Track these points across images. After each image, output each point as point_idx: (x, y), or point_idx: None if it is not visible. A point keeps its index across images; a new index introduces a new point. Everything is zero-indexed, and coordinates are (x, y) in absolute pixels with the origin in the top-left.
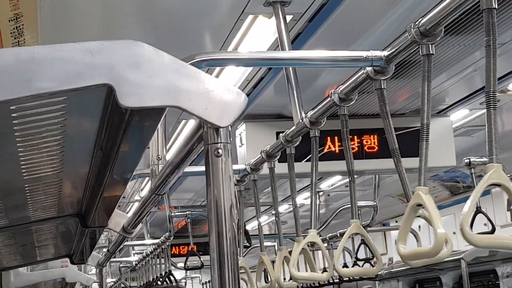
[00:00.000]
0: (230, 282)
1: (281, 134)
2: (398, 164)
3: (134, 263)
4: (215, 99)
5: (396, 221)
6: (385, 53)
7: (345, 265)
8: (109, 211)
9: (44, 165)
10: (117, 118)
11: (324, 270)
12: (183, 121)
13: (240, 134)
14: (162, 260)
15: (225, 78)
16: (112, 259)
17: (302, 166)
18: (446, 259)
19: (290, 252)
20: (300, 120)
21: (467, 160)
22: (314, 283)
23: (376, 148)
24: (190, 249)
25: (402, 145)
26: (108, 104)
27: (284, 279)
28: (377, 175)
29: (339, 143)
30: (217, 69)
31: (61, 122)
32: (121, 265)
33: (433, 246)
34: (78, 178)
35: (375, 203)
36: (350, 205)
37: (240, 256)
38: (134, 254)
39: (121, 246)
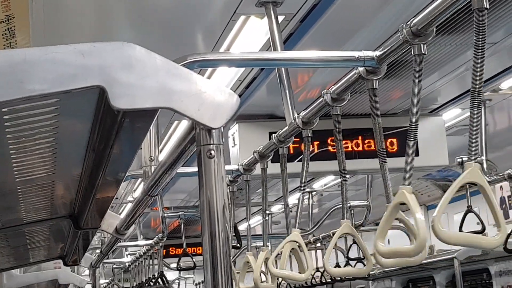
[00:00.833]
0: (223, 283)
1: (273, 135)
2: (382, 165)
3: (127, 264)
4: (207, 100)
5: None
6: (377, 53)
7: (337, 265)
8: (102, 212)
9: (37, 167)
10: (109, 120)
11: (317, 270)
12: (176, 122)
13: (232, 135)
14: (155, 261)
15: (217, 78)
16: (105, 260)
17: (294, 166)
18: (439, 258)
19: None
20: (293, 121)
21: (460, 159)
22: (306, 283)
23: (373, 147)
24: (183, 249)
25: (393, 145)
26: (101, 105)
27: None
28: (370, 175)
29: (333, 143)
30: (209, 69)
31: (53, 124)
32: (114, 266)
33: (414, 247)
34: (71, 180)
35: (368, 202)
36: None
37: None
38: (127, 255)
39: (114, 247)
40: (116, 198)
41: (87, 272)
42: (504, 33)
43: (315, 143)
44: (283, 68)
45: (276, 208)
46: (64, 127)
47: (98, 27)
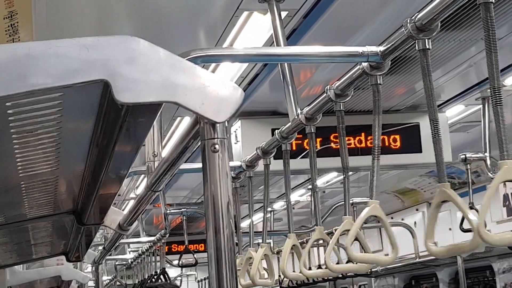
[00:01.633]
0: (228, 279)
1: (276, 131)
2: (374, 162)
3: (129, 260)
4: (211, 94)
5: (392, 218)
6: (381, 48)
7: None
8: (105, 208)
9: (40, 162)
10: (113, 115)
11: (319, 267)
12: (178, 118)
13: (235, 131)
14: (158, 258)
15: (220, 74)
16: (107, 257)
17: (297, 163)
18: None
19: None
20: (296, 117)
21: (463, 156)
22: (308, 280)
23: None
24: (185, 246)
25: (396, 141)
26: (104, 100)
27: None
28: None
29: (336, 140)
30: (212, 66)
31: (57, 119)
32: (116, 263)
33: (471, 242)
34: (74, 175)
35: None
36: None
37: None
38: (129, 252)
39: (117, 244)
40: (119, 195)
41: (89, 269)
42: (507, 30)
43: (318, 139)
44: (286, 64)
45: (278, 205)
46: (68, 122)
47: (101, 23)
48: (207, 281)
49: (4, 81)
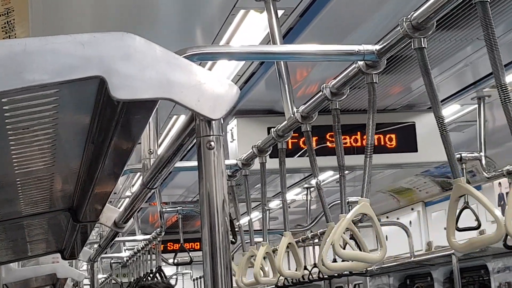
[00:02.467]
0: (223, 276)
1: (272, 129)
2: (367, 160)
3: (125, 259)
4: (207, 91)
5: (387, 217)
6: (377, 47)
7: (334, 261)
8: (100, 205)
9: (36, 159)
10: (109, 111)
11: (315, 265)
12: (174, 117)
13: (231, 130)
14: (153, 256)
15: (216, 73)
16: (103, 255)
17: (293, 162)
18: (437, 255)
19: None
20: (292, 115)
21: (458, 156)
22: (304, 279)
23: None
24: (180, 245)
25: (392, 141)
26: (100, 97)
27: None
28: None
29: (332, 139)
30: (208, 64)
31: (53, 115)
32: (112, 261)
33: (495, 235)
34: (70, 172)
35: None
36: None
37: None
38: (125, 250)
39: (113, 242)
40: (115, 193)
41: (85, 267)
42: (504, 29)
43: (314, 138)
44: (282, 63)
45: (274, 204)
46: (64, 118)
47: (97, 20)
48: (202, 279)
49: (0, 77)
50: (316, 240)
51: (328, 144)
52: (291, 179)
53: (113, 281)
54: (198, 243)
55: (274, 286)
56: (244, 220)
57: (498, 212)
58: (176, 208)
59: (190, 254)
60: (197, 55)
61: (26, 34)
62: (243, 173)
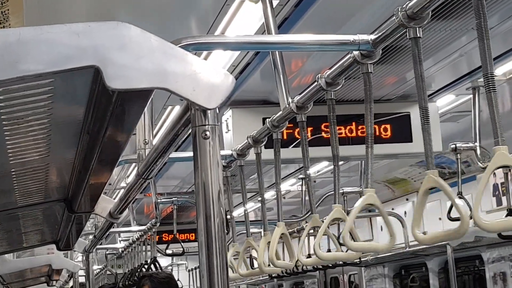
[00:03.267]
0: (218, 266)
1: (267, 119)
2: (368, 150)
3: (120, 250)
4: (202, 81)
5: None
6: (372, 36)
7: (329, 251)
8: (95, 196)
9: (31, 149)
10: (104, 101)
11: (309, 255)
12: (169, 107)
13: (226, 120)
14: (149, 247)
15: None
16: (98, 246)
17: (288, 152)
18: (431, 245)
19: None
20: (287, 105)
21: (453, 146)
22: (297, 269)
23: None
24: (173, 235)
25: (387, 131)
26: (95, 87)
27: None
28: (363, 161)
29: (327, 129)
30: (203, 55)
31: (47, 105)
32: (107, 252)
33: (458, 229)
34: (65, 163)
35: (361, 189)
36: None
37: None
38: (120, 241)
39: (108, 232)
40: (109, 184)
41: (80, 258)
42: (498, 19)
43: (309, 129)
44: (277, 53)
45: (269, 194)
46: (59, 108)
47: (93, 11)
48: (197, 270)
49: None
50: (311, 231)
51: (323, 134)
52: (286, 170)
53: (108, 272)
54: (193, 234)
55: (267, 276)
56: (239, 211)
57: (463, 208)
58: (171, 199)
59: (182, 245)
60: (192, 45)
61: (20, 25)
62: (238, 163)
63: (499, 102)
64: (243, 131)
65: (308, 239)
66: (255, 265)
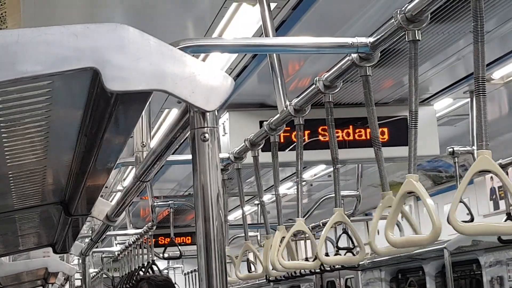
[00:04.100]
0: (217, 269)
1: (265, 122)
2: (378, 153)
3: (116, 253)
4: (201, 83)
5: None
6: (371, 39)
7: (327, 255)
8: (92, 199)
9: (28, 152)
10: (102, 103)
11: (307, 259)
12: (166, 110)
13: (223, 123)
14: (145, 251)
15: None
16: (94, 249)
17: (285, 155)
18: (428, 249)
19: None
20: (285, 108)
21: (451, 149)
22: (295, 273)
23: (364, 137)
24: (170, 239)
25: (385, 134)
26: (93, 88)
27: None
28: (360, 165)
29: (324, 132)
30: (200, 57)
31: (45, 107)
32: (103, 255)
33: (430, 235)
34: (62, 165)
35: (358, 192)
36: (333, 195)
37: None
38: (116, 244)
39: (104, 235)
40: (106, 187)
41: (76, 261)
42: (496, 23)
43: (306, 132)
44: (275, 55)
45: (266, 198)
46: (56, 110)
47: (90, 13)
48: (193, 274)
49: None
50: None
51: (321, 137)
52: (283, 173)
53: (104, 276)
54: (190, 237)
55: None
56: (235, 215)
57: (436, 216)
58: (168, 202)
59: (180, 248)
60: (190, 47)
61: (18, 26)
62: (235, 166)
63: (495, 107)
64: (240, 134)
65: (305, 242)
66: (253, 268)
